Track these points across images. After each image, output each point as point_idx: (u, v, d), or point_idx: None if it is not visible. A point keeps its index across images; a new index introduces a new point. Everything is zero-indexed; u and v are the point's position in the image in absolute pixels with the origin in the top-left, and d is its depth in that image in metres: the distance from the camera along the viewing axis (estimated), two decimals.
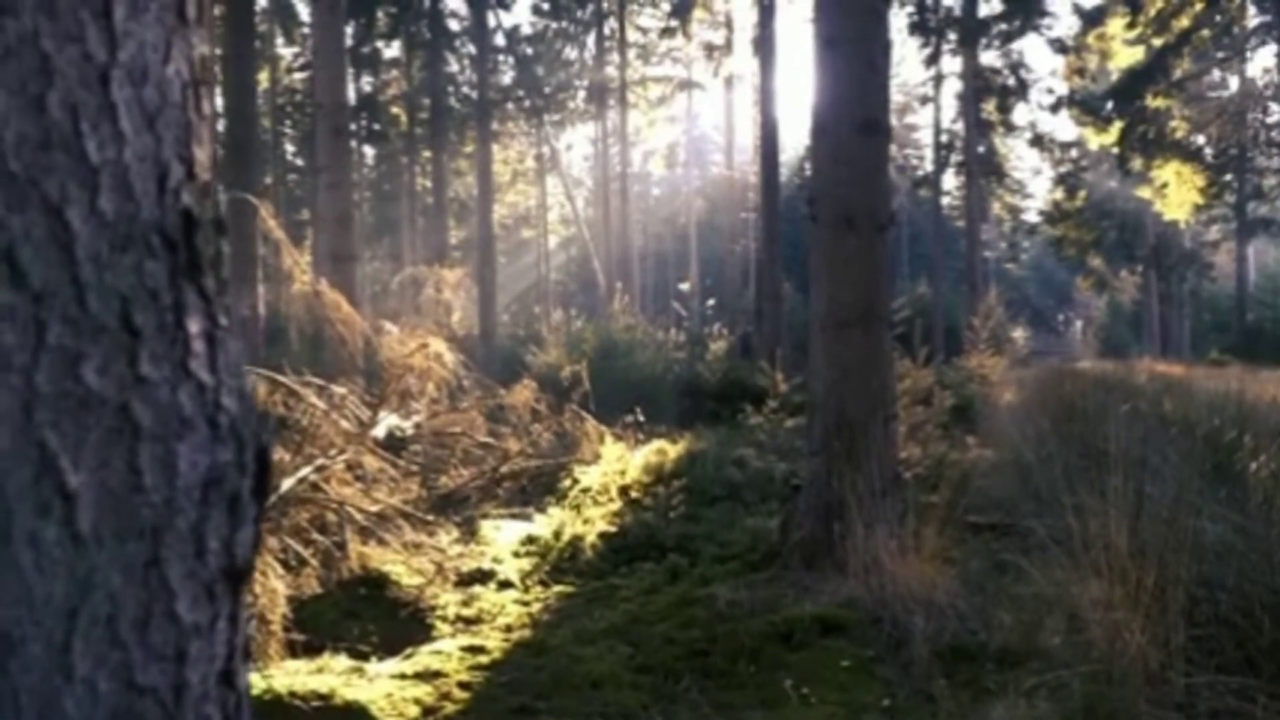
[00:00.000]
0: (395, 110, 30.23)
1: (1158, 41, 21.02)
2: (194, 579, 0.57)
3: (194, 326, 0.58)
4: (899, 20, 26.65)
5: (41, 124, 0.51)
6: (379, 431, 7.01)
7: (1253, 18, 23.25)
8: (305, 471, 5.41)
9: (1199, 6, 20.01)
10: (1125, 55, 22.35)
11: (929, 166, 34.37)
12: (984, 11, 25.54)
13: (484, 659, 3.79)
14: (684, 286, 25.92)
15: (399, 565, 4.68)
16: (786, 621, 3.83)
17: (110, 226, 0.54)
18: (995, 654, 3.55)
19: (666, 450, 7.85)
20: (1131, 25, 20.54)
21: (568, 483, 6.90)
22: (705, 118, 52.84)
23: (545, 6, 29.45)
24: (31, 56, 0.51)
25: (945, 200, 35.37)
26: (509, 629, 4.22)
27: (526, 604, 4.59)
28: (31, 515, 0.51)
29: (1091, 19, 23.72)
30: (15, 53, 0.50)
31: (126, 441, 0.54)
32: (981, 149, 28.33)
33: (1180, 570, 3.30)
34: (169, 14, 0.57)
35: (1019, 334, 34.98)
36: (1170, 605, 3.23)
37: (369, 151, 32.97)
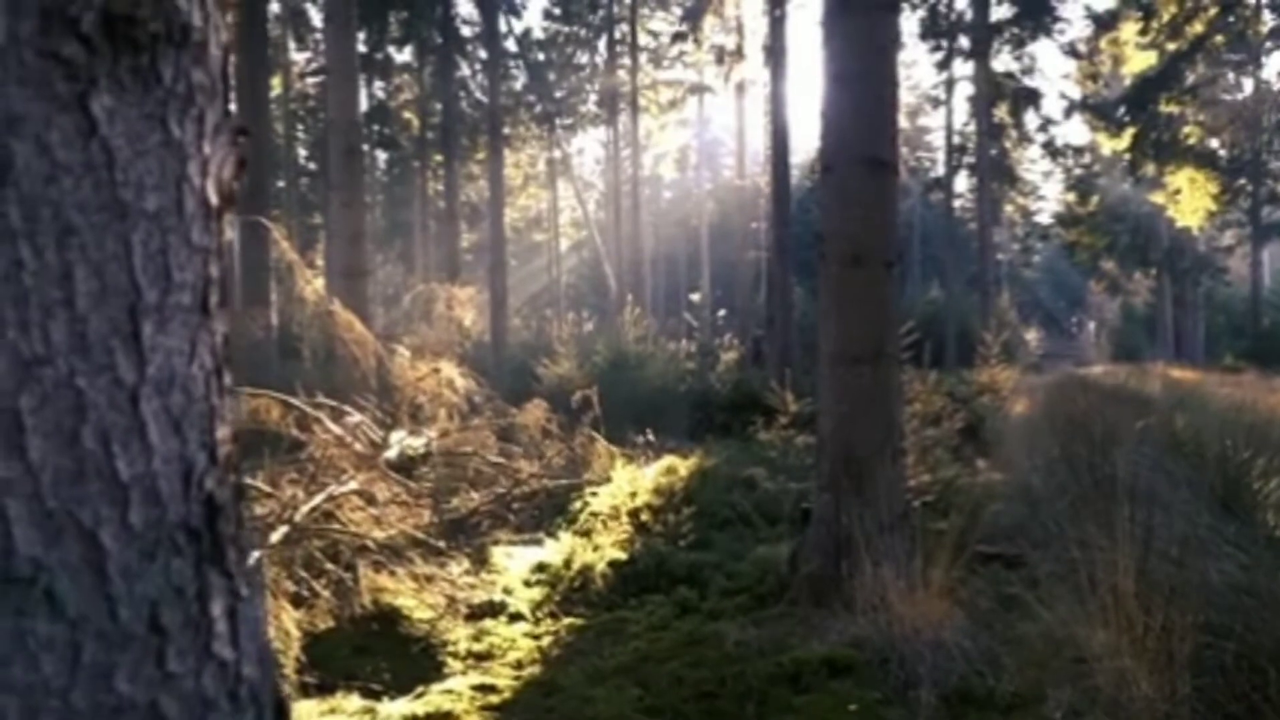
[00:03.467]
0: (407, 115, 30.35)
1: (1171, 46, 20.93)
2: None
3: (217, 608, 0.61)
4: (910, 24, 26.63)
5: (75, 456, 0.55)
6: (391, 453, 7.07)
7: (1267, 22, 23.12)
8: (318, 499, 5.47)
9: (1213, 12, 19.91)
10: (1139, 60, 22.27)
11: (941, 169, 34.30)
12: (995, 16, 25.47)
13: (495, 698, 3.82)
14: (695, 297, 25.93)
15: (411, 599, 4.72)
16: (794, 662, 3.85)
17: (139, 537, 0.57)
18: (1002, 698, 3.57)
19: (677, 467, 7.88)
20: (1144, 31, 20.45)
21: (578, 505, 6.93)
22: (717, 121, 52.84)
23: (556, 11, 29.52)
24: (67, 397, 0.54)
25: (957, 203, 35.29)
26: (519, 665, 4.25)
27: (537, 638, 4.63)
28: None
29: (1104, 24, 23.62)
30: (52, 398, 0.54)
31: None
32: (994, 151, 28.23)
33: (1187, 616, 3.30)
34: (193, 315, 0.61)
35: (1031, 335, 34.88)
36: (1176, 653, 3.23)
37: (381, 156, 33.10)
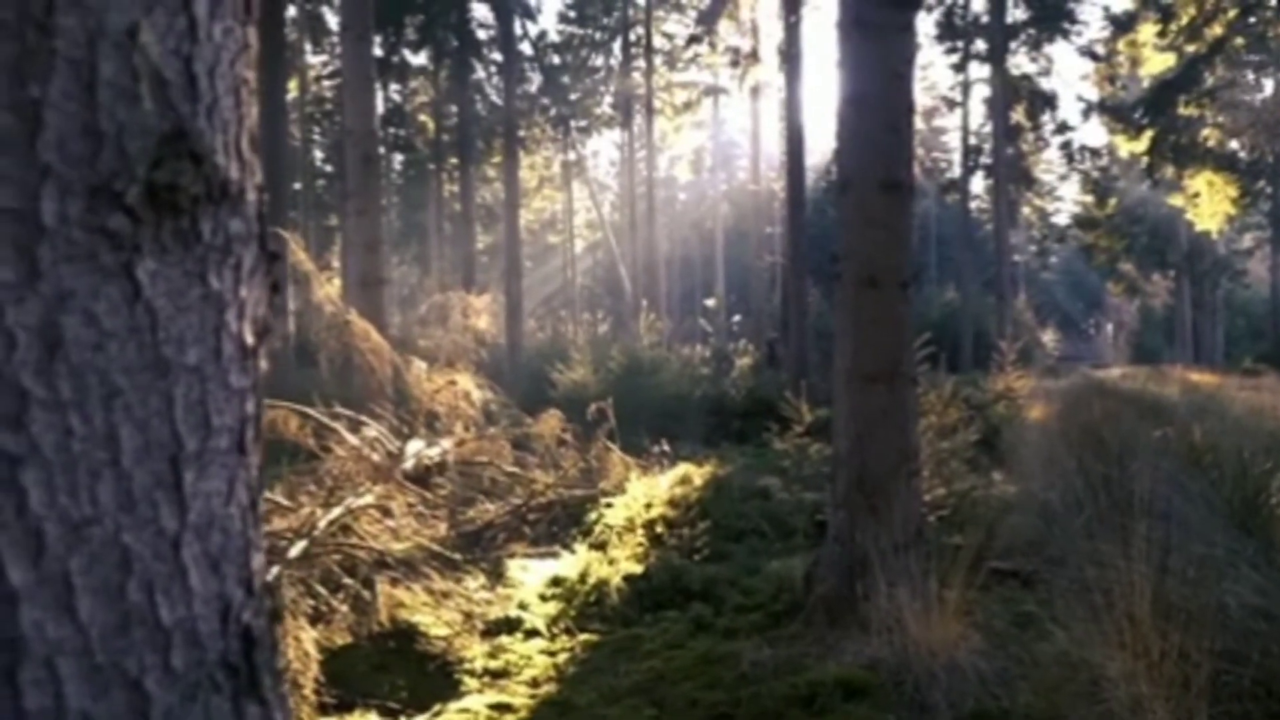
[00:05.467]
0: (423, 118, 30.47)
1: (1190, 48, 20.77)
2: None
3: None
4: (926, 25, 26.55)
5: (121, 609, 0.57)
6: (407, 464, 7.11)
7: None
8: (336, 512, 5.50)
9: (1232, 14, 19.74)
10: (1157, 62, 22.09)
11: (957, 171, 34.17)
12: (1012, 18, 25.35)
13: (511, 718, 3.86)
14: (710, 301, 25.94)
15: (428, 615, 4.75)
16: (809, 685, 3.86)
17: (181, 679, 0.60)
18: None
19: (691, 477, 7.88)
20: (1163, 33, 20.31)
21: (594, 516, 6.95)
22: (732, 123, 52.83)
23: (572, 15, 29.57)
24: (114, 554, 0.57)
25: (973, 205, 35.13)
26: (535, 683, 4.28)
27: (553, 654, 4.65)
28: None
29: (1122, 26, 23.48)
30: (99, 556, 0.56)
31: None
32: (1010, 153, 28.09)
33: (1203, 641, 3.29)
34: (231, 456, 0.63)
35: (1048, 337, 34.67)
36: (1193, 680, 3.22)
37: (396, 159, 33.23)
